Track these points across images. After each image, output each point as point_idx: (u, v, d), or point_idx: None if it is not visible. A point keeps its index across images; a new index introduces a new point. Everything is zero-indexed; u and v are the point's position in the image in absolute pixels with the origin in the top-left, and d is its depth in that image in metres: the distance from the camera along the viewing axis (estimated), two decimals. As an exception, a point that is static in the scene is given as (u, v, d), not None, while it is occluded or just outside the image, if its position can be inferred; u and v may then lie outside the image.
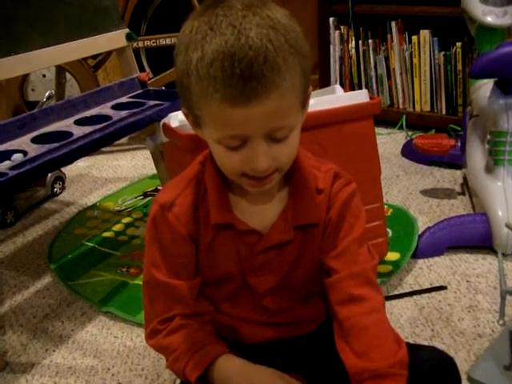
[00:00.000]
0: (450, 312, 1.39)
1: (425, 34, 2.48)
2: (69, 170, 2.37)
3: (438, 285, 1.50)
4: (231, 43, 0.68)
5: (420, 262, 1.61)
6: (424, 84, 2.55)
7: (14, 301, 1.58)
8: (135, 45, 2.38)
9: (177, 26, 0.79)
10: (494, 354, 1.15)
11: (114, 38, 1.78)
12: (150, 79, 2.27)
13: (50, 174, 2.18)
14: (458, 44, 2.42)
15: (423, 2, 2.49)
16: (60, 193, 2.25)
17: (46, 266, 1.74)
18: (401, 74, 2.60)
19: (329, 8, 2.71)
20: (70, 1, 1.65)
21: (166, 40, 2.52)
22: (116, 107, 1.71)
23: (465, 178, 2.01)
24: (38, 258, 1.80)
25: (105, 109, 1.70)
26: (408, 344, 0.82)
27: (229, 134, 0.73)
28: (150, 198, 2.14)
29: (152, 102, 1.71)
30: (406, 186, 2.10)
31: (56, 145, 1.42)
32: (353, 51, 2.70)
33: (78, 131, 1.51)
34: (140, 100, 1.75)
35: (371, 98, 1.41)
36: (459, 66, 2.44)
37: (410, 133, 2.54)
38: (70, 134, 1.49)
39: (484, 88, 1.83)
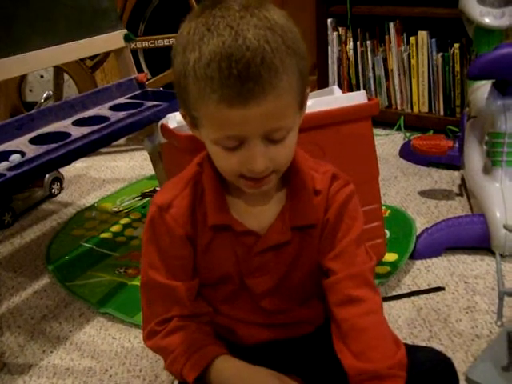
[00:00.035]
0: (447, 313, 1.40)
1: (423, 35, 2.48)
2: (67, 171, 2.37)
3: (435, 286, 1.50)
4: (228, 44, 0.68)
5: (418, 263, 1.61)
6: (422, 85, 2.55)
7: (12, 302, 1.58)
8: (133, 45, 2.38)
9: (175, 27, 0.79)
10: (492, 354, 1.15)
11: (112, 39, 1.78)
12: (148, 80, 2.26)
13: (47, 175, 2.18)
14: (456, 45, 2.42)
15: (421, 3, 2.49)
16: (58, 194, 2.25)
17: (44, 266, 1.74)
18: (399, 75, 2.60)
19: (327, 9, 2.72)
20: (69, 2, 1.65)
21: (164, 41, 2.52)
22: (114, 108, 1.71)
23: (463, 179, 2.01)
24: (36, 258, 1.80)
25: (103, 110, 1.70)
26: (406, 345, 0.82)
27: (226, 134, 0.73)
28: (148, 198, 2.14)
29: (150, 103, 1.71)
30: (403, 187, 2.10)
31: (54, 145, 1.41)
32: (351, 52, 2.70)
33: (76, 132, 1.51)
34: (138, 101, 1.75)
35: (369, 99, 1.41)
36: (457, 67, 2.44)
37: (408, 134, 2.55)
38: (68, 135, 1.49)
39: (482, 89, 1.83)
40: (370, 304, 0.82)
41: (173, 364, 0.84)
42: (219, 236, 0.85)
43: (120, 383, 1.25)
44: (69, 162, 1.45)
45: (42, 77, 3.04)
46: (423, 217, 1.86)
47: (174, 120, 1.33)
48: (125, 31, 1.82)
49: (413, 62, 2.54)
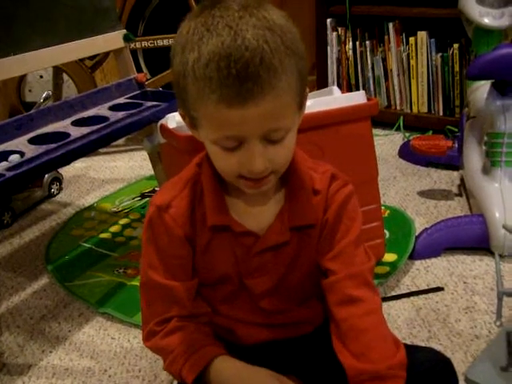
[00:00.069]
0: (447, 313, 1.40)
1: (422, 35, 2.48)
2: (66, 171, 2.37)
3: (435, 286, 1.50)
4: (227, 44, 0.68)
5: (417, 263, 1.61)
6: (421, 85, 2.55)
7: (11, 302, 1.58)
8: (132, 46, 2.38)
9: (174, 27, 0.79)
10: (491, 355, 1.15)
11: (112, 39, 1.78)
12: (147, 80, 2.26)
13: (47, 175, 2.18)
14: (455, 45, 2.42)
15: (420, 3, 2.49)
16: (57, 194, 2.25)
17: (43, 266, 1.74)
18: (398, 75, 2.60)
19: (326, 9, 2.72)
20: (68, 2, 1.65)
21: (163, 41, 2.52)
22: (113, 108, 1.71)
23: (462, 180, 2.01)
24: (35, 259, 1.80)
25: (102, 110, 1.70)
26: (405, 345, 0.82)
27: (225, 134, 0.73)
28: (147, 199, 2.14)
29: (149, 103, 1.71)
30: (403, 187, 2.10)
31: (53, 146, 1.41)
32: (350, 52, 2.70)
33: (76, 132, 1.51)
34: (137, 101, 1.75)
35: (368, 100, 1.42)
36: (456, 68, 2.45)
37: (407, 134, 2.55)
38: (68, 135, 1.49)
39: (481, 89, 1.83)
40: (370, 304, 0.82)
41: (172, 364, 0.84)
42: (218, 236, 0.85)
43: (119, 383, 1.25)
44: (68, 162, 1.45)
45: (41, 77, 3.04)
46: (422, 217, 1.86)
47: (174, 120, 1.33)
48: (124, 31, 1.82)
49: (412, 62, 2.54)
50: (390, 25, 2.55)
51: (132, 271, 1.65)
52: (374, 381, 0.77)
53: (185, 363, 0.82)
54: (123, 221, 1.99)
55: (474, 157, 1.83)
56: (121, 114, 1.63)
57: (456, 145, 2.07)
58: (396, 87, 2.62)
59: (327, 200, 0.85)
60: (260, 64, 0.68)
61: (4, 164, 1.34)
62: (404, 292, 1.48)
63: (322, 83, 2.77)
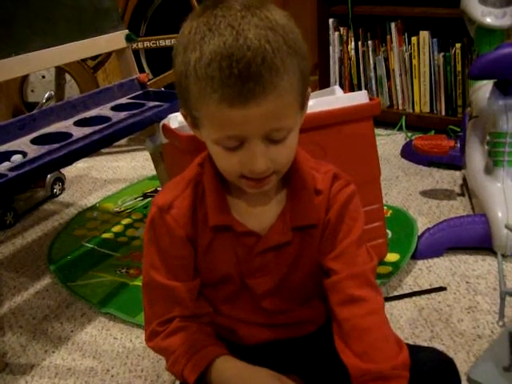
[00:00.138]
0: (449, 313, 1.39)
1: (424, 35, 2.48)
2: (68, 171, 2.37)
3: (437, 286, 1.50)
4: (229, 44, 0.68)
5: (419, 263, 1.61)
6: (423, 85, 2.55)
7: (14, 302, 1.58)
8: (135, 46, 2.38)
9: (176, 27, 0.79)
10: (494, 355, 1.14)
11: (114, 39, 1.78)
12: (149, 80, 2.26)
13: (49, 175, 2.18)
14: (458, 45, 2.42)
15: (423, 3, 2.49)
16: (59, 194, 2.25)
17: (46, 267, 1.74)
18: (400, 75, 2.60)
19: (328, 9, 2.71)
20: (70, 2, 1.65)
21: (165, 41, 2.52)
22: (115, 108, 1.71)
23: (464, 179, 2.01)
24: (38, 259, 1.80)
25: (104, 110, 1.70)
26: (408, 345, 0.82)
27: (227, 134, 0.73)
28: (149, 199, 2.14)
29: (151, 103, 1.71)
30: (405, 187, 2.10)
31: (55, 146, 1.42)
32: (352, 52, 2.70)
33: (78, 132, 1.51)
34: (139, 101, 1.75)
35: (371, 99, 1.41)
36: (459, 67, 2.44)
37: (409, 134, 2.55)
38: (70, 135, 1.49)
39: (483, 89, 1.83)
40: (372, 304, 0.82)
41: (174, 365, 0.84)
42: (220, 236, 0.85)
43: (122, 383, 1.26)
44: (70, 163, 1.45)
45: (43, 77, 3.04)
46: (425, 217, 1.86)
47: (176, 120, 1.33)
48: (126, 31, 1.82)
49: (414, 61, 2.54)
50: (392, 24, 2.55)
51: (134, 271, 1.66)
52: (378, 381, 0.77)
53: (187, 363, 0.82)
54: (125, 221, 1.99)
55: (476, 156, 1.83)
56: (123, 114, 1.63)
57: (458, 144, 2.07)
58: (398, 87, 2.62)
59: (329, 200, 0.85)
60: (262, 64, 0.68)
61: (6, 164, 1.34)
62: (406, 292, 1.48)
63: (324, 83, 2.77)
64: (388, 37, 2.58)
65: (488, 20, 1.90)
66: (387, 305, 1.41)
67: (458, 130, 2.33)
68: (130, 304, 1.50)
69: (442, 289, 1.49)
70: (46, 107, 1.78)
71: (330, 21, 2.72)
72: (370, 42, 2.64)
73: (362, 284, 0.83)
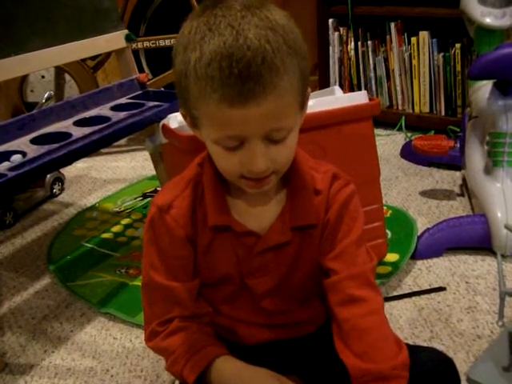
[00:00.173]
0: (449, 313, 1.39)
1: (424, 35, 2.48)
2: (68, 171, 2.37)
3: (437, 286, 1.50)
4: (229, 43, 0.68)
5: (419, 263, 1.61)
6: (423, 85, 2.55)
7: (13, 302, 1.58)
8: (134, 46, 2.38)
9: (176, 27, 0.79)
10: (493, 355, 1.14)
11: (114, 39, 1.78)
12: (149, 80, 2.26)
13: (49, 175, 2.18)
14: (457, 45, 2.42)
15: (422, 3, 2.49)
16: (59, 194, 2.25)
17: (45, 267, 1.74)
18: (400, 75, 2.60)
19: (328, 9, 2.72)
20: (70, 2, 1.65)
21: (165, 41, 2.52)
22: (115, 108, 1.71)
23: (464, 180, 2.01)
24: (37, 259, 1.80)
25: (104, 110, 1.70)
26: (407, 345, 0.82)
27: (227, 134, 0.73)
28: (149, 199, 2.14)
29: (151, 103, 1.71)
30: (405, 187, 2.10)
31: (55, 146, 1.42)
32: (352, 52, 2.70)
33: (77, 132, 1.51)
34: (139, 101, 1.75)
35: (370, 99, 1.41)
36: (458, 68, 2.44)
37: (409, 134, 2.55)
38: (69, 135, 1.49)
39: (483, 89, 1.83)
40: (372, 304, 0.82)
41: (173, 365, 0.84)
42: (219, 236, 0.85)
43: (121, 383, 1.25)
44: (70, 163, 1.45)
45: (43, 77, 3.04)
46: (424, 217, 1.86)
47: (175, 120, 1.33)
48: (126, 31, 1.82)
49: (414, 62, 2.54)
50: (392, 25, 2.55)
51: (134, 271, 1.66)
52: (378, 381, 0.77)
53: (186, 363, 0.82)
54: (125, 221, 1.99)
55: (476, 157, 1.83)
56: (123, 114, 1.63)
57: (458, 145, 2.07)
58: (398, 87, 2.62)
59: (329, 200, 0.85)
60: (262, 64, 0.68)
61: (6, 164, 1.34)
62: (406, 292, 1.48)
63: (323, 83, 2.77)
64: (388, 37, 2.58)
65: (487, 20, 1.90)
66: (387, 305, 1.41)
67: (458, 130, 2.33)
68: (130, 304, 1.50)
69: (441, 289, 1.49)
70: (46, 107, 1.78)
71: (330, 21, 2.72)
72: (369, 42, 2.64)
73: (362, 284, 0.83)
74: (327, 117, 1.34)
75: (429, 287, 1.50)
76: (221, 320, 0.90)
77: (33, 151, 1.40)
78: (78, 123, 1.59)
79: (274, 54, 0.69)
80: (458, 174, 2.13)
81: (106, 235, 1.90)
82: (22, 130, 1.51)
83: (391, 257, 1.60)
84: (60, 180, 2.26)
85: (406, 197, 2.02)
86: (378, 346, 0.79)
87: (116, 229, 1.94)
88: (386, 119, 2.59)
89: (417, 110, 2.60)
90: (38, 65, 1.60)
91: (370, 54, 2.65)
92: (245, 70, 0.68)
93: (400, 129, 2.60)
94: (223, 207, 0.84)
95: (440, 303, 1.44)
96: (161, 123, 1.40)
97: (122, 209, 2.09)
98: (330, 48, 2.75)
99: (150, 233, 0.85)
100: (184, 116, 0.81)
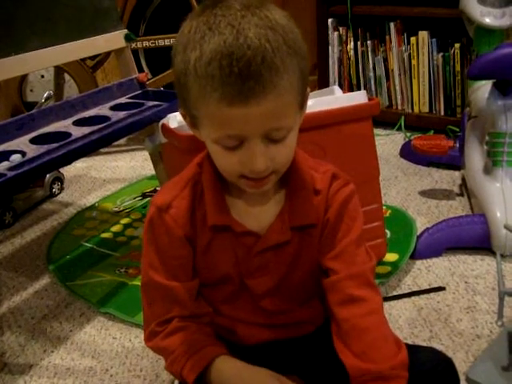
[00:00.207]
0: (448, 313, 1.40)
1: (423, 35, 2.48)
2: (67, 171, 2.37)
3: (436, 286, 1.50)
4: (229, 43, 0.68)
5: (418, 262, 1.61)
6: (422, 85, 2.55)
7: (13, 302, 1.58)
8: (134, 45, 2.37)
9: (176, 27, 0.79)
10: (493, 354, 1.14)
11: (113, 39, 1.78)
12: (148, 80, 2.26)
13: (48, 175, 2.18)
14: (457, 45, 2.42)
15: (422, 3, 2.49)
16: (58, 193, 2.25)
17: (45, 266, 1.74)
18: (399, 75, 2.60)
19: (327, 9, 2.71)
20: (69, 2, 1.65)
21: (164, 41, 2.52)
22: (115, 108, 1.71)
23: (463, 179, 2.01)
24: (37, 258, 1.80)
25: (103, 109, 1.70)
26: (406, 345, 0.82)
27: (226, 133, 0.73)
28: (148, 198, 2.14)
29: (151, 103, 1.71)
30: (404, 187, 2.10)
31: (54, 145, 1.42)
32: (351, 52, 2.70)
33: (77, 132, 1.51)
34: (139, 101, 1.75)
35: (370, 99, 1.41)
36: (458, 67, 2.44)
37: (408, 134, 2.55)
38: (69, 135, 1.49)
39: (482, 89, 1.83)
40: (371, 304, 0.82)
41: (173, 364, 0.84)
42: (219, 236, 0.85)
43: (121, 383, 1.25)
44: (69, 162, 1.45)
45: (42, 77, 3.04)
46: (424, 217, 1.86)
47: (175, 120, 1.33)
48: (125, 31, 1.82)
49: (413, 61, 2.54)
50: (392, 25, 2.55)
51: (133, 271, 1.65)
52: (377, 381, 0.77)
53: (186, 363, 0.82)
54: (124, 220, 1.99)
55: (475, 156, 1.83)
56: (122, 114, 1.63)
57: (457, 145, 2.07)
58: (397, 87, 2.62)
59: (328, 200, 0.85)
60: (262, 63, 0.68)
61: (5, 164, 1.34)
62: (405, 292, 1.48)
63: (323, 83, 2.77)
64: (387, 37, 2.58)
65: (487, 20, 1.90)
66: (386, 305, 1.41)
67: (457, 130, 2.33)
68: (129, 304, 1.50)
69: (440, 289, 1.49)
70: (45, 107, 1.79)
71: (330, 21, 2.72)
72: (369, 42, 2.64)
73: (361, 284, 0.83)
74: (327, 117, 1.34)
75: (428, 287, 1.50)
76: (221, 320, 0.90)
77: (32, 151, 1.40)
78: (77, 123, 1.59)
79: (274, 54, 0.69)
80: (457, 173, 2.13)
81: (105, 235, 1.90)
82: (22, 129, 1.51)
83: (390, 257, 1.60)
84: (59, 180, 2.26)
85: (405, 196, 2.02)
86: (377, 346, 0.79)
87: (115, 228, 1.94)
88: (386, 119, 2.59)
89: (416, 109, 2.60)
90: (38, 64, 1.60)
91: (370, 53, 2.65)
92: (245, 69, 0.68)
93: (399, 129, 2.60)
94: (222, 207, 0.84)
95: (439, 303, 1.44)
96: (160, 123, 1.40)
97: (122, 208, 2.09)
98: (330, 48, 2.75)
99: (149, 233, 0.85)
100: (183, 115, 0.81)
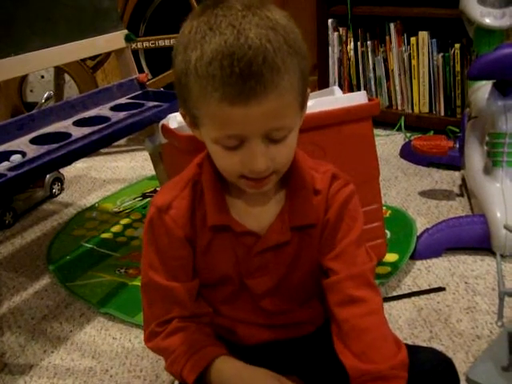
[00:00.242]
0: (448, 313, 1.40)
1: (423, 35, 2.48)
2: (67, 171, 2.37)
3: (436, 286, 1.50)
4: (230, 43, 0.68)
5: (418, 263, 1.61)
6: (422, 85, 2.55)
7: (13, 302, 1.58)
8: (134, 46, 2.38)
9: (176, 27, 0.79)
10: (493, 355, 1.14)
11: (113, 39, 1.78)
12: (148, 80, 2.26)
13: (48, 175, 2.18)
14: (457, 45, 2.42)
15: (422, 3, 2.49)
16: (58, 194, 2.25)
17: (45, 267, 1.74)
18: (399, 75, 2.60)
19: (327, 9, 2.72)
20: (69, 2, 1.65)
21: (164, 41, 2.52)
22: (115, 108, 1.71)
23: (463, 180, 2.01)
24: (37, 259, 1.80)
25: (103, 110, 1.70)
26: (406, 345, 0.82)
27: (227, 133, 0.73)
28: (148, 199, 2.14)
29: (151, 103, 1.71)
30: (404, 187, 2.10)
31: (55, 146, 1.42)
32: (351, 53, 2.70)
33: (77, 132, 1.51)
34: (139, 101, 1.75)
35: (370, 100, 1.41)
36: (458, 68, 2.44)
37: (408, 134, 2.55)
38: (69, 135, 1.49)
39: (482, 89, 1.83)
40: (371, 304, 0.82)
41: (173, 365, 0.84)
42: (219, 236, 0.85)
43: (120, 383, 1.25)
44: (69, 163, 1.45)
45: (42, 77, 3.04)
46: (424, 217, 1.86)
47: (175, 120, 1.33)
48: (125, 31, 1.82)
49: (413, 62, 2.54)
50: (392, 25, 2.55)
51: (133, 271, 1.65)
52: (377, 381, 0.77)
53: (186, 363, 0.82)
54: (124, 221, 1.99)
55: (475, 157, 1.83)
56: (122, 115, 1.63)
57: (457, 145, 2.07)
58: (397, 87, 2.62)
59: (328, 200, 0.85)
60: (263, 63, 0.68)
61: (6, 164, 1.34)
62: (405, 292, 1.48)
63: (323, 83, 2.77)
64: (387, 37, 2.58)
65: (487, 20, 1.90)
66: (386, 305, 1.41)
67: (457, 130, 2.33)
68: (129, 304, 1.50)
69: (440, 289, 1.49)
70: (45, 107, 1.79)
71: (330, 21, 2.72)
72: (369, 43, 2.64)
73: (361, 284, 0.83)
74: (327, 117, 1.34)
75: (428, 287, 1.50)
76: (220, 320, 0.90)
77: (32, 151, 1.40)
78: (77, 123, 1.59)
79: (275, 54, 0.69)
80: (457, 174, 2.13)
81: (105, 235, 1.90)
82: (22, 129, 1.51)
83: (390, 257, 1.60)
84: (59, 180, 2.26)
85: (405, 197, 2.02)
86: (376, 346, 0.79)
87: (115, 229, 1.94)
88: (386, 119, 2.59)
89: (416, 110, 2.60)
90: (38, 65, 1.60)
91: (370, 54, 2.65)
92: (246, 69, 0.68)
93: (399, 129, 2.60)
94: (222, 207, 0.84)
95: (439, 303, 1.44)
96: (160, 123, 1.40)
97: (122, 209, 2.09)
98: (330, 48, 2.75)
99: (149, 233, 0.85)
100: (183, 116, 0.81)
